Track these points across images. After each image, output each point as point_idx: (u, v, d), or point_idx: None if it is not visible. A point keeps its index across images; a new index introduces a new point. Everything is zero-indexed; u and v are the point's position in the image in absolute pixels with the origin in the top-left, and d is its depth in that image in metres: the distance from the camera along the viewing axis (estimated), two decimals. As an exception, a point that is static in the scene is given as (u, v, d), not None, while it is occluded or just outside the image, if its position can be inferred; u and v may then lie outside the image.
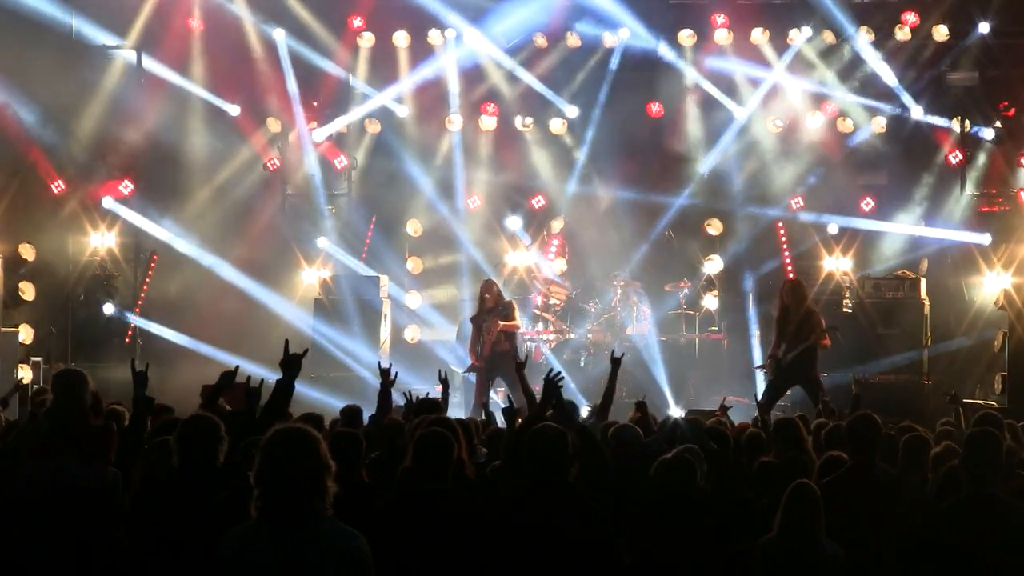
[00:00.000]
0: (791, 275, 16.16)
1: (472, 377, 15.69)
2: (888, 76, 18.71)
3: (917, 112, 18.58)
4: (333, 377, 16.91)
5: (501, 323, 15.18)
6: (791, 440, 8.34)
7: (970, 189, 18.11)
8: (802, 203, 18.84)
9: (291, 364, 6.62)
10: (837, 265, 18.20)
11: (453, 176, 20.06)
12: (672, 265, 18.74)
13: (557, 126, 19.78)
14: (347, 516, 6.56)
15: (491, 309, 15.38)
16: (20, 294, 17.23)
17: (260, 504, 4.65)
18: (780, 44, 18.98)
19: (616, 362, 8.59)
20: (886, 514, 6.83)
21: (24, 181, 17.78)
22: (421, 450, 6.41)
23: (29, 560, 6.41)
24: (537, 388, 7.45)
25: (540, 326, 18.40)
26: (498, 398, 15.90)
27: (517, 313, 15.64)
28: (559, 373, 7.38)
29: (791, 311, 14.36)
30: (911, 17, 18.52)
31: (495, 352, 15.10)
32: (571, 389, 15.45)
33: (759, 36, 18.92)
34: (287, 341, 6.76)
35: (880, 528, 6.77)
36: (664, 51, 19.00)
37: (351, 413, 9.45)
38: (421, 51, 19.49)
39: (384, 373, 8.78)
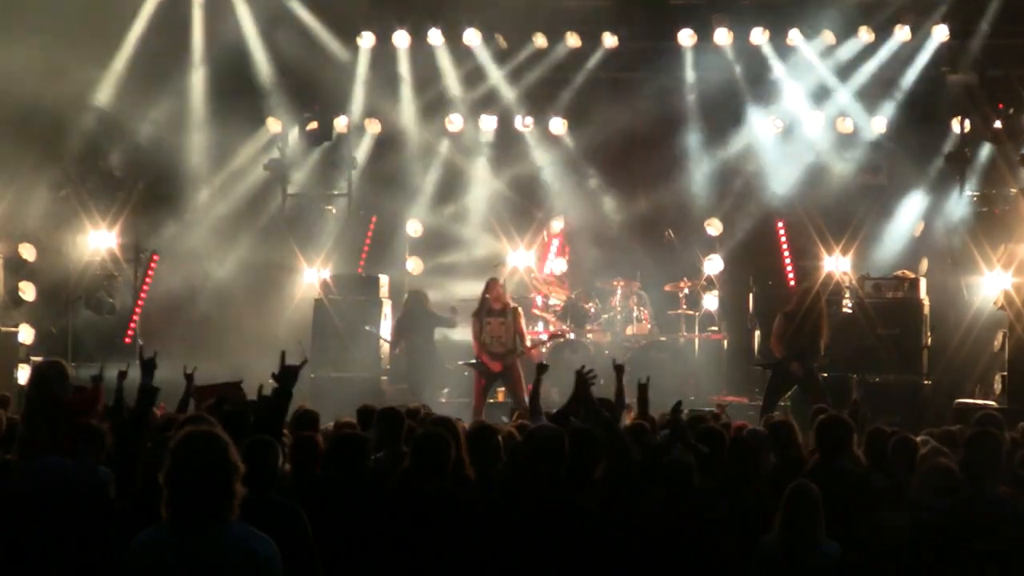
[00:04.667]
0: (807, 284, 16.14)
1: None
2: (887, 76, 18.72)
3: (917, 112, 18.58)
4: (333, 378, 16.90)
5: (532, 350, 15.79)
6: (784, 441, 8.35)
7: (970, 189, 18.10)
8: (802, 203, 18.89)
9: (287, 376, 6.61)
10: (837, 265, 18.19)
11: (453, 176, 20.08)
12: (672, 265, 18.73)
13: (557, 126, 19.78)
14: (349, 516, 6.58)
15: (498, 311, 15.43)
16: (20, 294, 17.23)
17: (168, 506, 4.70)
18: (780, 44, 18.97)
19: (619, 369, 8.51)
20: (852, 510, 6.86)
21: (26, 180, 17.77)
22: (420, 450, 6.42)
23: (18, 559, 6.39)
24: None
25: (540, 326, 18.41)
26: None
27: (523, 322, 15.79)
28: (592, 370, 7.44)
29: (795, 315, 14.52)
30: (911, 17, 18.53)
31: (508, 361, 15.20)
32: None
33: (759, 36, 18.91)
34: (283, 353, 6.74)
35: (847, 524, 6.78)
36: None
37: (367, 414, 9.32)
38: (421, 51, 19.49)
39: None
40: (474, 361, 15.57)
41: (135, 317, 18.22)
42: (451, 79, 19.64)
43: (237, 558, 4.70)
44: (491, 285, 15.65)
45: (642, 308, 18.25)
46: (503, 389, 16.22)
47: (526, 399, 14.96)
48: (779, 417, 9.68)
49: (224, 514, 4.70)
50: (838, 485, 6.97)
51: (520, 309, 15.95)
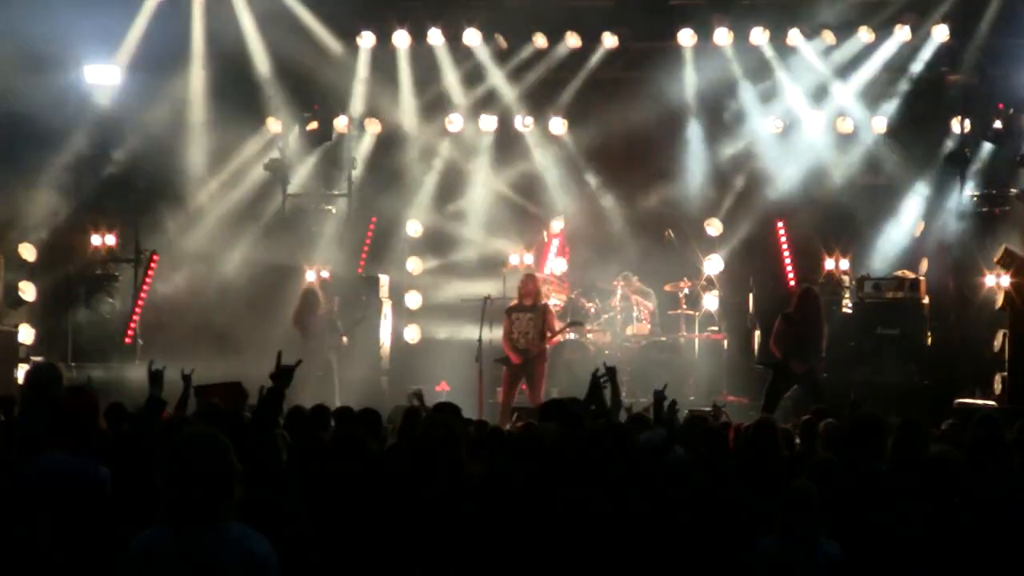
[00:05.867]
0: (807, 286, 16.13)
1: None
2: (887, 76, 18.72)
3: (917, 112, 18.58)
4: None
5: (555, 338, 15.82)
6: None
7: (970, 189, 18.10)
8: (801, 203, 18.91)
9: (282, 376, 6.63)
10: (837, 265, 18.19)
11: (453, 176, 20.07)
12: (672, 265, 18.73)
13: (557, 126, 19.78)
14: (350, 516, 6.57)
15: (528, 307, 15.47)
16: (20, 294, 17.25)
17: (167, 506, 4.70)
18: (780, 44, 18.97)
19: (611, 371, 8.47)
20: (876, 511, 6.85)
21: (26, 181, 17.79)
22: (420, 450, 6.42)
23: (18, 558, 6.38)
24: None
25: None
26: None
27: (555, 321, 15.91)
28: (604, 374, 7.48)
29: (795, 315, 14.56)
30: (911, 17, 18.53)
31: (530, 353, 15.22)
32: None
33: (759, 36, 18.91)
34: (280, 353, 6.76)
35: (870, 525, 6.78)
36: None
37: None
38: (421, 51, 19.49)
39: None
40: (503, 357, 15.68)
41: (135, 317, 18.23)
42: (451, 79, 19.64)
43: (235, 558, 4.70)
44: (524, 280, 15.78)
45: (645, 303, 18.21)
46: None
47: (542, 398, 15.03)
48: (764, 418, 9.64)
49: (223, 515, 4.70)
50: (865, 487, 6.92)
51: (549, 305, 16.01)
